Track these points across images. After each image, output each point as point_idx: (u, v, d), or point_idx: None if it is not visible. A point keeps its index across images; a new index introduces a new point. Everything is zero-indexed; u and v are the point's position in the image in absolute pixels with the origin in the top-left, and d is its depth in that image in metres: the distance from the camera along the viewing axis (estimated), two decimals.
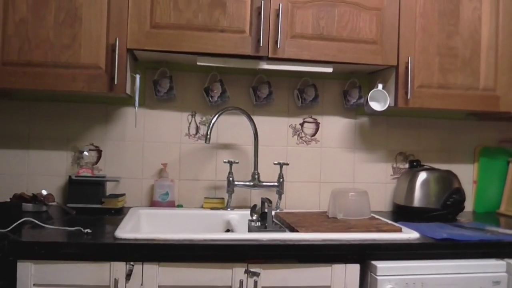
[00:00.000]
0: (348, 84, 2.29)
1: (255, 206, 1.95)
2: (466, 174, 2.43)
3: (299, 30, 1.94)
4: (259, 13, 1.89)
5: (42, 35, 1.82)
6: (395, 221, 2.00)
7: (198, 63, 1.95)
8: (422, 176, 2.19)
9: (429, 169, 2.22)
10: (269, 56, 1.92)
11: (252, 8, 1.91)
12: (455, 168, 2.38)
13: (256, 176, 2.15)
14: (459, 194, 2.18)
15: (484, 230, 1.88)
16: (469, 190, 2.42)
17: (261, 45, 1.89)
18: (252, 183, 2.15)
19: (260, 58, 1.96)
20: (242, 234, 1.67)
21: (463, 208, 2.20)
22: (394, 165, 2.38)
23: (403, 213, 2.23)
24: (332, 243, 1.65)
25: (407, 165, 2.36)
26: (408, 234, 1.75)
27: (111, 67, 1.84)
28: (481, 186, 2.43)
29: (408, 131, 2.39)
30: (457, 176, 2.22)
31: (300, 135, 2.30)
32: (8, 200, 2.01)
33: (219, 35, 1.89)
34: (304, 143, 2.30)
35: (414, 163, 2.30)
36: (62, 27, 1.83)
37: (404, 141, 2.39)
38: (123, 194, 2.14)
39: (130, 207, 2.13)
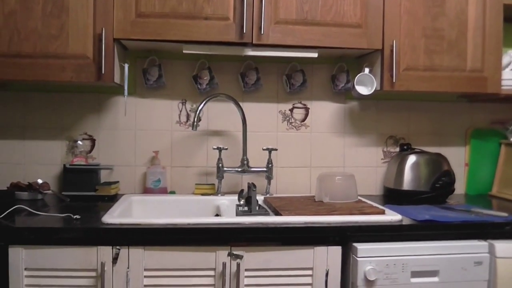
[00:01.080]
0: (336, 69, 2.29)
1: (242, 191, 1.99)
2: (458, 156, 2.43)
3: (283, 16, 1.95)
4: (243, 0, 1.91)
5: (30, 26, 1.86)
6: (384, 204, 2.02)
7: (184, 51, 1.98)
8: (412, 159, 2.20)
9: (419, 152, 2.23)
10: (254, 42, 1.94)
11: None
12: (446, 151, 2.39)
13: (245, 162, 2.19)
14: (449, 176, 2.19)
15: (470, 212, 1.90)
16: (461, 173, 2.43)
17: (245, 31, 1.91)
18: (241, 169, 2.19)
19: (245, 44, 1.98)
20: (224, 218, 1.71)
21: (453, 190, 2.21)
22: (385, 149, 2.39)
23: (393, 196, 2.25)
24: (314, 226, 1.68)
25: (397, 149, 2.37)
26: (391, 216, 1.77)
27: (98, 56, 1.88)
28: (473, 169, 2.43)
29: (398, 115, 2.40)
30: (446, 159, 2.23)
31: (290, 121, 2.32)
32: (6, 188, 2.08)
33: (204, 23, 1.92)
34: (294, 128, 2.33)
35: (405, 147, 2.31)
36: (50, 18, 1.87)
37: (394, 124, 2.39)
38: (117, 182, 2.19)
39: (123, 194, 2.18)
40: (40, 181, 2.08)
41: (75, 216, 1.71)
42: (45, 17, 1.87)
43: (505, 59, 2.20)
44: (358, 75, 2.10)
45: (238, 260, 1.63)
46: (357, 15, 1.99)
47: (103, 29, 1.86)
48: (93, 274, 1.60)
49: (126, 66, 2.03)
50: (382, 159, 2.39)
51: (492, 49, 2.08)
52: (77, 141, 2.19)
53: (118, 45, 1.98)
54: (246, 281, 1.65)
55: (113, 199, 2.08)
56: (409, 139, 2.39)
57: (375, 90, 2.09)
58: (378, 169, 2.39)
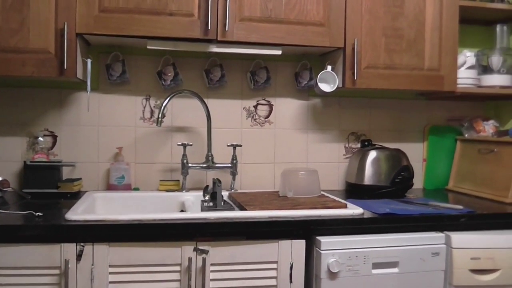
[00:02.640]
0: (300, 66, 2.33)
1: (207, 187, 2.00)
2: (416, 152, 2.52)
3: (247, 13, 1.97)
4: None
5: None
6: (346, 198, 2.07)
7: (148, 47, 1.97)
8: (372, 155, 2.26)
9: (379, 148, 2.30)
10: (218, 39, 1.95)
11: None
12: (405, 146, 2.47)
13: (210, 157, 2.20)
14: (408, 171, 2.27)
15: (428, 205, 1.97)
16: (419, 168, 2.51)
17: (209, 28, 1.92)
18: (206, 165, 2.20)
19: (209, 41, 1.99)
20: (190, 214, 1.71)
21: (412, 185, 2.29)
22: (347, 145, 2.45)
23: (354, 191, 2.31)
24: (278, 220, 1.71)
25: (359, 145, 2.43)
26: (353, 210, 1.82)
27: (60, 51, 1.85)
28: (431, 164, 2.52)
29: (359, 111, 2.46)
30: (405, 154, 2.31)
31: (254, 117, 2.35)
32: None
33: (168, 19, 1.92)
34: (258, 124, 2.35)
35: (366, 143, 2.37)
36: (10, 12, 1.82)
37: (355, 121, 2.45)
38: (79, 179, 2.16)
39: (86, 191, 2.16)
40: None
41: (37, 213, 1.68)
42: (5, 11, 1.82)
43: (460, 59, 2.29)
44: (321, 72, 2.15)
45: (203, 255, 1.65)
46: (320, 14, 2.03)
47: (66, 23, 1.83)
48: (57, 271, 1.58)
49: (89, 61, 2.01)
50: (344, 154, 2.44)
51: (448, 49, 2.16)
52: (38, 137, 2.15)
53: (80, 40, 1.95)
54: (212, 275, 1.67)
55: (76, 196, 2.05)
56: (370, 135, 2.46)
57: (337, 87, 2.14)
58: (340, 164, 2.44)
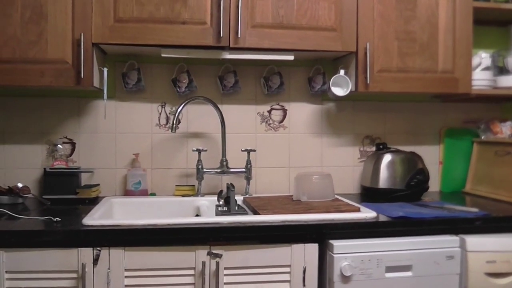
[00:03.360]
0: (313, 71, 2.35)
1: (221, 191, 2.02)
2: (432, 155, 2.50)
3: (259, 20, 1.99)
4: (219, 5, 1.94)
5: (9, 33, 1.88)
6: (361, 202, 2.07)
7: (162, 55, 2.02)
8: (387, 158, 2.26)
9: (394, 151, 2.29)
10: (231, 46, 1.98)
11: (213, 0, 1.96)
12: (421, 149, 2.46)
13: (225, 163, 2.23)
14: (423, 174, 2.25)
15: (443, 208, 1.96)
16: (435, 171, 2.50)
17: (222, 35, 1.95)
18: (220, 170, 2.23)
19: (222, 48, 2.02)
20: (203, 218, 1.74)
21: (427, 188, 2.27)
22: (361, 149, 2.45)
23: (369, 194, 2.31)
24: (291, 224, 1.73)
25: (373, 148, 2.43)
26: (366, 213, 1.83)
27: (77, 61, 1.90)
28: (447, 167, 2.50)
29: (374, 115, 2.46)
30: (421, 157, 2.29)
31: (268, 122, 2.37)
32: None
33: (181, 27, 1.95)
34: (272, 129, 2.37)
35: (381, 146, 2.36)
36: (29, 24, 1.89)
37: (370, 124, 2.45)
38: (97, 185, 2.21)
39: (104, 197, 2.20)
40: (20, 185, 2.09)
41: (55, 219, 1.73)
42: (24, 23, 1.88)
43: (475, 60, 2.27)
44: (334, 76, 2.16)
45: (217, 259, 1.67)
46: (331, 19, 2.04)
47: (82, 34, 1.89)
48: (74, 275, 1.62)
49: (105, 70, 2.06)
50: (358, 158, 2.44)
51: (462, 51, 2.15)
52: (57, 145, 2.21)
53: (97, 50, 2.00)
54: (226, 279, 1.69)
55: (94, 201, 2.09)
56: (385, 138, 2.46)
57: (350, 91, 2.15)
58: (355, 168, 2.44)
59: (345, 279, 1.69)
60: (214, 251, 1.68)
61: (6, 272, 1.60)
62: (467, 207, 1.97)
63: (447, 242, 1.78)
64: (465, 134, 2.51)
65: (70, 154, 2.25)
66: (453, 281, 1.77)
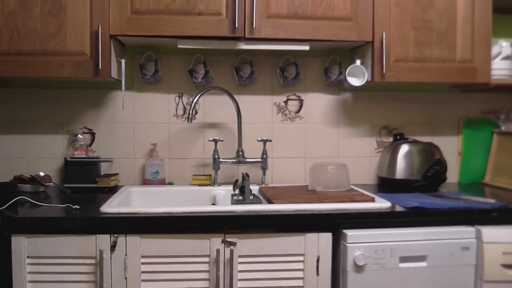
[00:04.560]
0: (329, 61, 2.34)
1: (236, 181, 2.05)
2: (451, 146, 2.48)
3: (274, 10, 2.00)
4: None
5: (30, 26, 1.93)
6: (377, 193, 2.07)
7: (178, 46, 2.04)
8: (404, 148, 2.24)
9: (411, 142, 2.27)
10: (246, 36, 1.99)
11: None
12: (439, 140, 2.43)
13: (241, 153, 2.25)
14: (440, 165, 2.23)
15: (459, 199, 1.94)
16: (454, 162, 2.47)
17: (237, 26, 1.96)
18: (236, 160, 2.25)
19: (238, 38, 2.03)
20: (218, 207, 1.77)
21: (445, 179, 2.25)
22: (378, 139, 2.44)
23: (386, 185, 2.30)
24: (305, 213, 1.74)
25: (391, 139, 2.42)
26: (380, 203, 1.83)
27: (95, 53, 1.94)
28: (466, 157, 2.47)
29: (391, 105, 2.44)
30: (438, 148, 2.27)
31: (285, 112, 2.37)
32: (9, 181, 2.15)
33: (197, 18, 1.97)
34: (289, 120, 2.38)
35: (398, 137, 2.35)
36: (48, 17, 1.93)
37: (387, 115, 2.44)
38: (116, 174, 2.26)
39: (123, 186, 2.25)
40: (42, 174, 2.15)
41: (74, 206, 1.77)
42: (44, 16, 1.93)
43: (495, 49, 2.23)
44: (350, 66, 2.15)
45: (231, 247, 1.69)
46: (347, 9, 2.03)
47: (100, 26, 1.92)
48: (92, 261, 1.67)
49: (123, 61, 2.10)
50: (375, 149, 2.43)
51: (481, 40, 2.12)
52: (77, 135, 2.26)
53: (114, 42, 2.04)
54: (240, 267, 1.71)
55: (112, 190, 2.14)
56: (402, 129, 2.44)
57: (366, 81, 2.13)
58: (372, 159, 2.43)
59: (359, 268, 1.70)
60: (228, 239, 1.70)
61: (27, 257, 1.65)
62: (485, 198, 1.94)
63: (463, 233, 1.77)
64: (485, 124, 2.48)
65: (90, 144, 2.30)
66: (468, 272, 1.76)
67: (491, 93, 2.48)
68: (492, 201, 1.89)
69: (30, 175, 2.16)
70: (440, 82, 2.13)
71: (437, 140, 2.41)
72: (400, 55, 2.07)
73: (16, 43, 1.92)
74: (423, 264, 1.74)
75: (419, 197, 1.97)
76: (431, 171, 2.21)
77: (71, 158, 2.20)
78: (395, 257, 1.71)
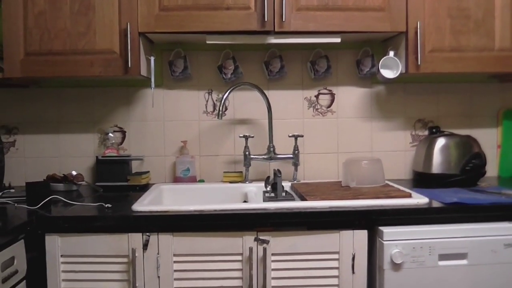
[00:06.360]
0: (361, 53, 2.28)
1: (268, 177, 2.01)
2: (490, 138, 2.38)
3: (304, 2, 1.95)
4: None
5: (59, 25, 1.93)
6: (412, 188, 2.00)
7: (207, 42, 2.02)
8: (440, 142, 2.17)
9: (447, 135, 2.20)
10: (276, 30, 1.95)
11: None
12: (477, 133, 2.34)
13: (272, 149, 2.21)
14: (479, 158, 2.15)
15: (500, 194, 1.86)
16: (493, 155, 2.37)
17: (266, 20, 1.92)
18: (268, 156, 2.21)
19: (267, 32, 1.99)
20: (250, 204, 1.74)
21: (484, 172, 2.17)
22: (413, 133, 2.36)
23: (422, 180, 2.23)
24: (339, 210, 1.69)
25: (426, 132, 2.34)
26: (417, 199, 1.76)
27: (124, 51, 1.94)
28: (506, 150, 2.37)
29: (426, 97, 2.36)
30: (477, 141, 2.19)
31: (316, 107, 2.33)
32: (42, 180, 2.17)
33: (225, 13, 1.94)
34: (320, 114, 2.33)
35: (434, 130, 2.27)
36: (78, 16, 1.94)
37: (422, 107, 2.36)
38: (147, 172, 2.25)
39: (154, 184, 2.24)
40: (74, 173, 2.16)
41: (106, 205, 1.77)
42: (73, 15, 1.93)
43: None
44: (383, 58, 2.09)
45: (264, 245, 1.66)
46: None
47: (128, 24, 1.91)
48: (125, 260, 1.66)
49: (152, 59, 2.08)
50: (410, 143, 2.36)
51: None
52: (108, 133, 2.27)
53: (143, 39, 2.03)
54: (273, 265, 1.68)
55: (144, 188, 2.14)
56: (438, 122, 2.36)
57: (400, 73, 2.07)
58: (406, 153, 2.36)
59: (396, 266, 1.64)
60: (261, 237, 1.67)
61: (61, 256, 1.66)
62: None
63: (505, 230, 1.69)
64: None
65: (121, 142, 2.30)
66: None
67: None
68: None
69: (63, 174, 2.17)
70: (478, 72, 2.05)
71: (475, 133, 2.32)
72: (435, 45, 2.00)
73: (47, 43, 1.94)
74: (464, 262, 1.67)
75: (458, 192, 1.90)
76: (470, 165, 2.13)
77: (102, 156, 2.21)
78: (434, 255, 1.65)
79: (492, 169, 2.35)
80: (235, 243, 1.67)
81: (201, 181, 2.29)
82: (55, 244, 1.66)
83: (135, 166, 2.29)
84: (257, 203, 1.76)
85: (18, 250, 1.54)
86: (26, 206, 1.79)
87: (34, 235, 1.64)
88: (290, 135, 2.25)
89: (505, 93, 2.39)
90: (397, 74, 2.07)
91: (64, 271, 1.67)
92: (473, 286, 1.68)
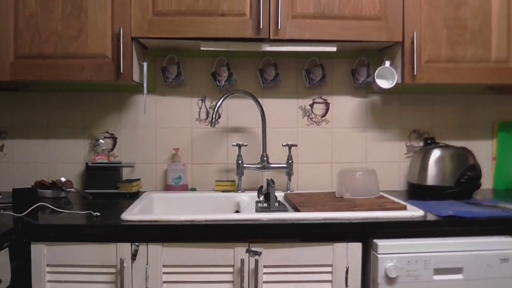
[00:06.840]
0: (357, 63, 2.26)
1: (261, 187, 1.98)
2: (485, 150, 2.36)
3: (300, 10, 1.93)
4: None
5: (51, 28, 1.90)
6: (407, 200, 1.97)
7: (201, 48, 1.98)
8: (436, 153, 2.15)
9: (443, 146, 2.18)
10: (271, 37, 1.93)
11: None
12: (472, 144, 2.32)
13: (265, 158, 2.18)
14: (474, 170, 2.13)
15: (496, 207, 1.84)
16: (488, 167, 2.35)
17: (261, 27, 1.90)
18: (261, 165, 2.18)
19: (262, 40, 1.97)
20: (242, 215, 1.70)
21: (480, 185, 2.14)
22: (408, 143, 2.34)
23: (416, 192, 2.20)
24: (333, 222, 1.65)
25: (421, 143, 2.32)
26: (412, 212, 1.74)
27: (117, 55, 1.90)
28: (501, 163, 2.36)
29: (421, 108, 2.34)
30: (472, 153, 2.17)
31: (310, 116, 2.30)
32: (30, 187, 2.12)
33: (220, 19, 1.91)
34: (315, 124, 2.30)
35: (429, 141, 2.25)
36: (69, 19, 1.90)
37: (417, 118, 2.34)
38: (138, 179, 2.21)
39: (145, 191, 2.20)
40: (63, 179, 2.12)
41: (95, 213, 1.73)
42: (65, 18, 1.90)
43: None
44: (379, 68, 2.07)
45: (256, 257, 1.63)
46: (376, 8, 1.95)
47: (121, 28, 1.88)
48: (113, 270, 1.62)
49: (145, 64, 2.05)
50: (405, 154, 2.34)
51: None
52: (99, 139, 2.22)
53: (136, 44, 2.00)
54: (265, 277, 1.64)
55: (134, 196, 2.09)
56: (433, 133, 2.34)
57: (396, 83, 2.05)
58: (401, 164, 2.34)
59: (390, 280, 1.61)
60: (253, 249, 1.63)
61: (47, 265, 1.61)
62: None
63: (501, 244, 1.66)
64: None
65: (112, 149, 2.26)
66: (508, 286, 1.65)
67: None
68: None
69: (51, 180, 2.12)
70: (474, 83, 2.03)
71: (470, 145, 2.29)
72: (431, 56, 1.98)
73: (37, 45, 1.90)
74: (459, 276, 1.64)
75: (453, 205, 1.87)
76: (465, 177, 2.11)
77: (92, 163, 2.16)
78: (429, 269, 1.62)
79: (487, 182, 2.33)
80: (226, 254, 1.63)
81: (193, 189, 2.25)
82: (41, 253, 1.61)
83: (125, 173, 2.25)
84: (250, 214, 1.72)
85: (2, 259, 1.48)
86: (12, 213, 1.74)
87: (19, 243, 1.59)
88: (284, 144, 2.22)
89: (500, 105, 2.38)
90: (393, 84, 2.05)
91: (49, 281, 1.62)
92: None
